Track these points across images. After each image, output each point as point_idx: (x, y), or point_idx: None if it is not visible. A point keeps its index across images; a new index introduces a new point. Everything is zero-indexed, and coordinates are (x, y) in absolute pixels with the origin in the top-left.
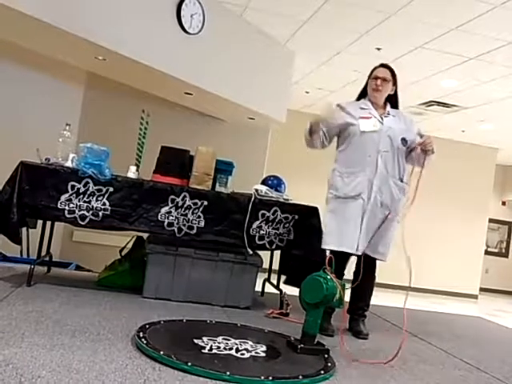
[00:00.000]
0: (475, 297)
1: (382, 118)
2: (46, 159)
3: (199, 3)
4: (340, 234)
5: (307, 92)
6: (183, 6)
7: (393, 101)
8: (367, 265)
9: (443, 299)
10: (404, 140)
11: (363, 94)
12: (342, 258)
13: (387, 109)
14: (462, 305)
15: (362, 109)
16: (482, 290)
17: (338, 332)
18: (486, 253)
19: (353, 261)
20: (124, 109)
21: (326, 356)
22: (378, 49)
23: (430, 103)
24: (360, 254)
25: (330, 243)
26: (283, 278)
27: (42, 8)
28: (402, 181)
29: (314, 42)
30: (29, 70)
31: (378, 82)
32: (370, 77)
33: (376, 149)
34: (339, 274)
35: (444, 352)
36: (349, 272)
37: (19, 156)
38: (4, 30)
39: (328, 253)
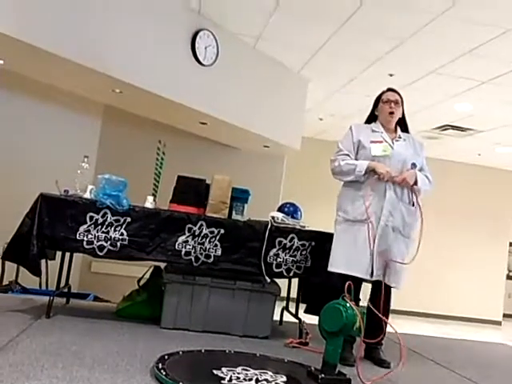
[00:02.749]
0: (499, 323)
1: (393, 143)
2: (64, 191)
3: (213, 35)
4: (348, 258)
5: (321, 119)
6: (197, 38)
7: (402, 124)
8: (381, 291)
9: (466, 326)
10: (414, 165)
11: (372, 119)
12: (354, 282)
13: (398, 132)
14: (485, 331)
15: (373, 131)
16: (505, 315)
17: (362, 362)
18: (508, 277)
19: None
20: (140, 140)
21: None
22: (391, 75)
23: (444, 127)
24: (373, 279)
25: (337, 266)
26: (302, 306)
27: (61, 44)
28: (413, 205)
29: (327, 69)
30: (48, 104)
31: (393, 104)
32: (379, 101)
33: None
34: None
35: (468, 380)
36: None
37: (39, 188)
38: (23, 66)
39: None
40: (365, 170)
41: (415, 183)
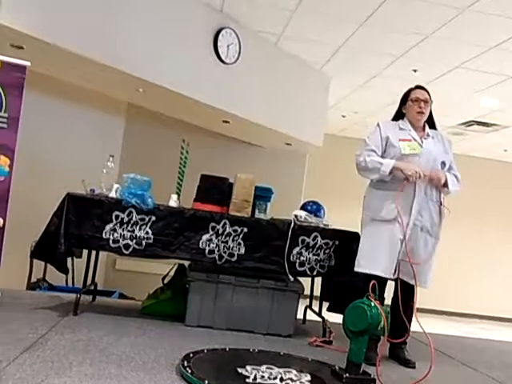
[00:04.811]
0: None
1: (421, 141)
2: (91, 190)
3: (235, 33)
4: (374, 258)
5: (343, 116)
6: (220, 36)
7: (429, 120)
8: (407, 290)
9: (492, 325)
10: (443, 163)
11: (399, 116)
12: (379, 282)
13: (426, 130)
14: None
15: (400, 129)
16: None
17: (386, 361)
18: None
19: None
20: (164, 138)
21: None
22: (415, 70)
23: (469, 123)
24: (395, 278)
25: (364, 266)
26: (325, 305)
27: (85, 45)
28: (441, 204)
29: (349, 66)
30: (72, 104)
31: (422, 104)
32: (407, 99)
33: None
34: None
35: (494, 380)
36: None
37: (66, 188)
38: (49, 67)
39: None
40: (390, 169)
41: (445, 185)
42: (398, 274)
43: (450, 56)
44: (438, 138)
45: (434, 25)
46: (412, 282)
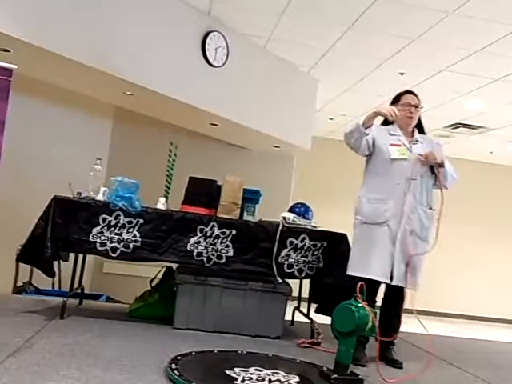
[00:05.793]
0: None
1: (410, 146)
2: (77, 193)
3: (223, 37)
4: (365, 261)
5: (331, 118)
6: (208, 39)
7: (418, 125)
8: (396, 292)
9: (479, 325)
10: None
11: (390, 121)
12: (371, 285)
13: (415, 135)
14: (499, 331)
15: (390, 135)
16: None
17: (374, 362)
18: None
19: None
20: (151, 141)
21: None
22: (402, 73)
23: (455, 125)
24: (391, 282)
25: (355, 269)
26: (313, 306)
27: (72, 48)
28: (430, 208)
29: (337, 68)
30: (59, 107)
31: (412, 109)
32: (398, 103)
33: (404, 176)
34: (370, 301)
35: (482, 381)
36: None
37: (53, 191)
38: (36, 70)
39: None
40: (363, 120)
41: (442, 165)
42: (390, 279)
43: (436, 59)
44: (426, 142)
45: (420, 28)
46: (402, 284)
